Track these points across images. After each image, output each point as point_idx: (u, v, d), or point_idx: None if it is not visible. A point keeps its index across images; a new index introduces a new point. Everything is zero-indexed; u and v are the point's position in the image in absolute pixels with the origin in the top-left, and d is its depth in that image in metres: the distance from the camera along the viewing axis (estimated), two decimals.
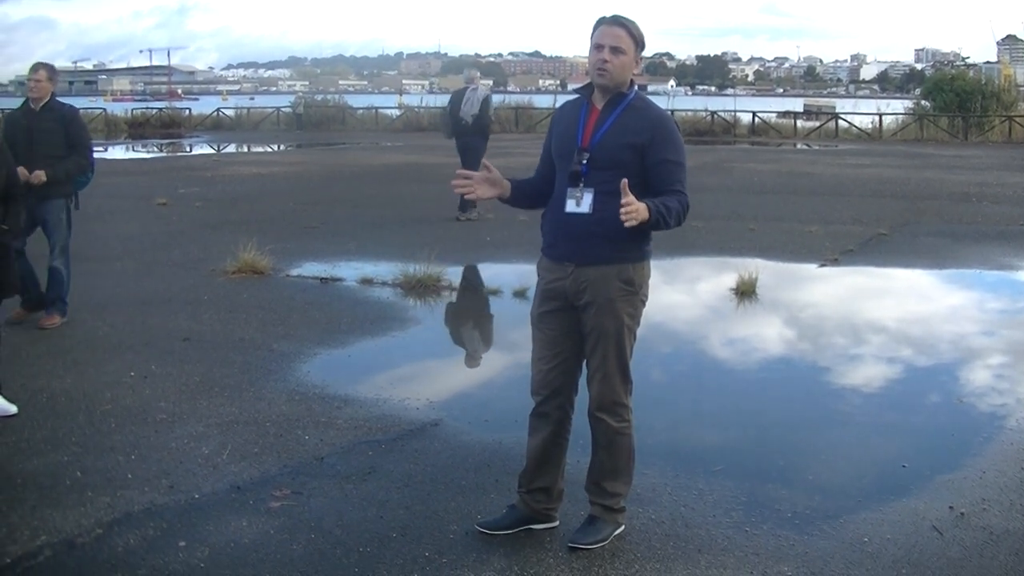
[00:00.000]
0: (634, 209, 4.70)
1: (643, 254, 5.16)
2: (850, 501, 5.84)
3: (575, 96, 5.39)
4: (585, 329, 5.15)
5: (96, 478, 6.10)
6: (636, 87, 5.20)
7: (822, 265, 13.67)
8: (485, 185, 5.22)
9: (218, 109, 63.11)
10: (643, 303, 5.25)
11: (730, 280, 11.83)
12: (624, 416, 5.26)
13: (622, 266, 5.07)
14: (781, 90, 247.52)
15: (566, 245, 5.11)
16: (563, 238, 5.11)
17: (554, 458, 5.39)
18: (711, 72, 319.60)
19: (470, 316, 11.05)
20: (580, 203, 5.03)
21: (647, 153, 5.03)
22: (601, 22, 5.13)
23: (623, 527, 5.37)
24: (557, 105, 5.60)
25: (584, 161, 5.05)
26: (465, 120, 17.19)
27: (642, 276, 5.18)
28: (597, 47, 5.04)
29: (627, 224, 4.71)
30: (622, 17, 5.11)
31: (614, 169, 4.96)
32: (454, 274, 12.17)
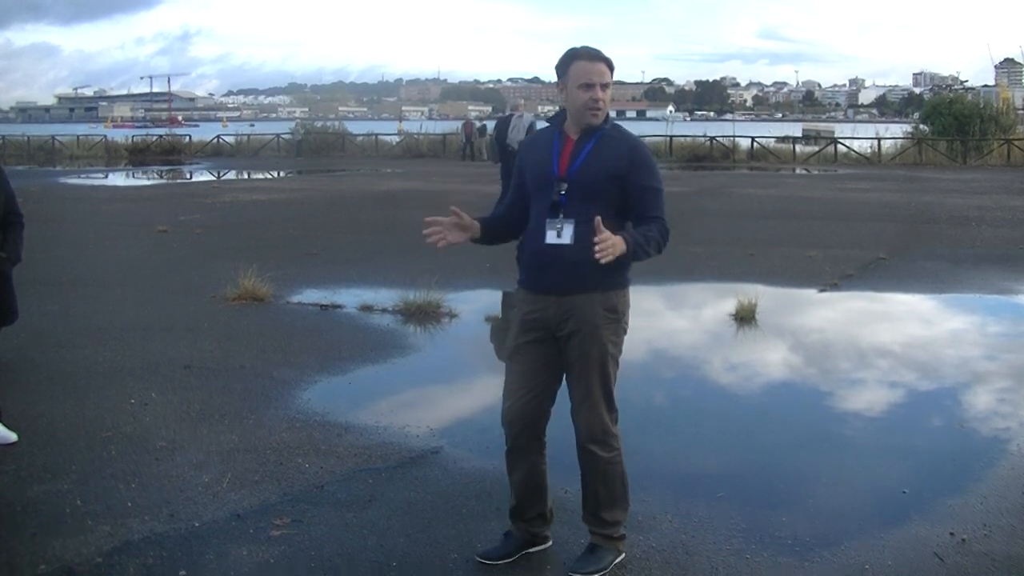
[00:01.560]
0: (609, 245, 4.69)
1: (625, 281, 5.16)
2: (851, 527, 5.82)
3: (546, 125, 5.40)
4: (569, 359, 5.12)
5: (96, 506, 6.09)
6: (609, 118, 5.19)
7: (822, 290, 13.67)
8: (455, 230, 5.19)
9: (218, 135, 63.44)
10: (625, 331, 5.25)
11: (730, 305, 11.83)
12: (614, 445, 5.24)
13: (606, 294, 5.08)
14: (780, 115, 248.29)
15: (548, 276, 5.08)
16: (544, 269, 5.08)
17: (541, 485, 5.38)
18: (710, 97, 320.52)
19: (470, 343, 10.99)
20: (561, 234, 5.00)
21: (627, 181, 5.03)
22: (577, 57, 5.07)
23: (623, 555, 5.35)
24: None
25: (563, 191, 5.03)
26: (512, 146, 17.29)
27: (624, 303, 5.20)
28: (587, 85, 5.00)
29: (602, 261, 4.70)
30: (599, 52, 5.10)
31: (594, 198, 4.97)
32: (454, 300, 12.18)
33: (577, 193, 5.01)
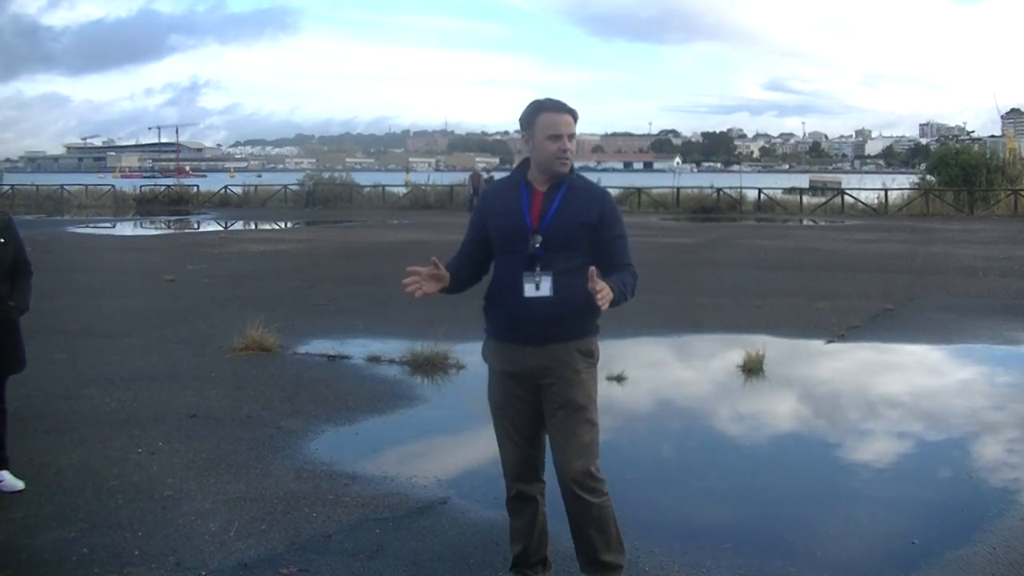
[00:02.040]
0: (607, 292, 4.79)
1: (597, 326, 5.22)
2: None
3: (505, 176, 5.46)
4: (551, 406, 5.14)
5: (103, 554, 6.08)
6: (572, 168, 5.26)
7: (829, 341, 13.66)
8: (431, 281, 5.19)
9: (225, 186, 63.66)
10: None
11: (737, 356, 11.82)
12: (602, 490, 5.19)
13: (582, 340, 5.15)
14: (787, 166, 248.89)
15: (528, 329, 5.10)
16: (523, 322, 5.10)
17: (543, 530, 5.43)
18: (717, 149, 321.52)
19: (478, 394, 10.87)
20: (540, 287, 5.03)
21: (598, 230, 5.11)
22: (543, 109, 5.14)
23: None
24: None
25: (538, 244, 5.06)
26: None
27: (598, 348, 5.28)
28: (555, 136, 5.07)
29: (604, 308, 4.81)
30: (564, 103, 5.17)
31: (569, 249, 5.05)
32: (462, 352, 12.17)
33: (552, 245, 5.06)
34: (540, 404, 5.19)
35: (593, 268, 4.82)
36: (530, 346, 5.10)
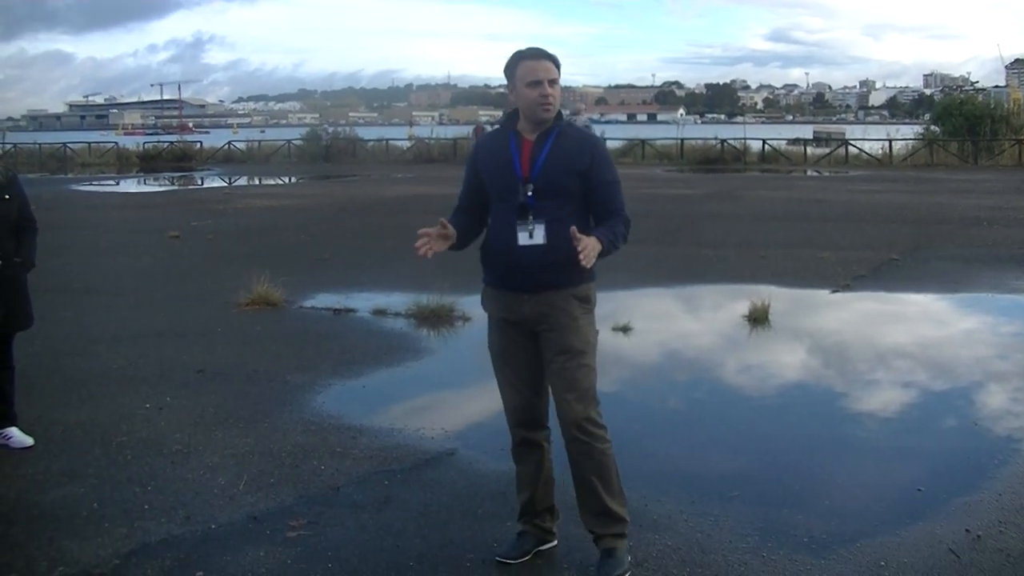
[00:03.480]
0: (590, 248, 4.79)
1: (593, 273, 5.19)
2: (867, 525, 5.82)
3: (496, 128, 5.47)
4: (549, 353, 5.18)
5: (113, 509, 6.12)
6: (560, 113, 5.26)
7: (834, 291, 13.66)
8: (440, 240, 5.21)
9: (229, 142, 63.49)
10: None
11: (743, 307, 11.83)
12: (604, 435, 5.22)
13: (578, 287, 5.16)
14: (791, 117, 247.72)
15: (522, 276, 5.13)
16: (517, 270, 5.13)
17: (550, 477, 5.47)
18: (720, 100, 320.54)
19: (483, 346, 10.89)
20: (533, 235, 5.06)
21: (589, 176, 5.11)
22: (523, 57, 5.15)
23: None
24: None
25: (530, 193, 5.09)
26: None
27: (594, 294, 5.29)
28: (535, 83, 5.06)
29: (587, 265, 4.80)
30: (544, 50, 5.17)
31: (560, 196, 5.08)
32: (467, 304, 12.15)
33: (543, 193, 5.08)
34: (538, 351, 5.23)
35: (574, 227, 4.84)
36: (526, 294, 5.13)
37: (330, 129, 63.50)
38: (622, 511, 5.30)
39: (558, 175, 5.09)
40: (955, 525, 5.80)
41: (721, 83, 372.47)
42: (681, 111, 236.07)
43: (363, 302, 12.95)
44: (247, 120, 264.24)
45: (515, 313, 5.21)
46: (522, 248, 5.08)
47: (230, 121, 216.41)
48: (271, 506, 6.18)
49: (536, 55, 5.15)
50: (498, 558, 5.38)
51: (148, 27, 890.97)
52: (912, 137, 53.40)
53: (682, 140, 54.94)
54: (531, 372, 5.30)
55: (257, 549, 5.55)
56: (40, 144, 64.73)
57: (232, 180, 43.67)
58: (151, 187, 41.87)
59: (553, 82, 5.10)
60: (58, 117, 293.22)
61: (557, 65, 5.16)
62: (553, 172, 5.09)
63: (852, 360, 9.99)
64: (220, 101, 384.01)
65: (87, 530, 5.82)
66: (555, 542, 5.53)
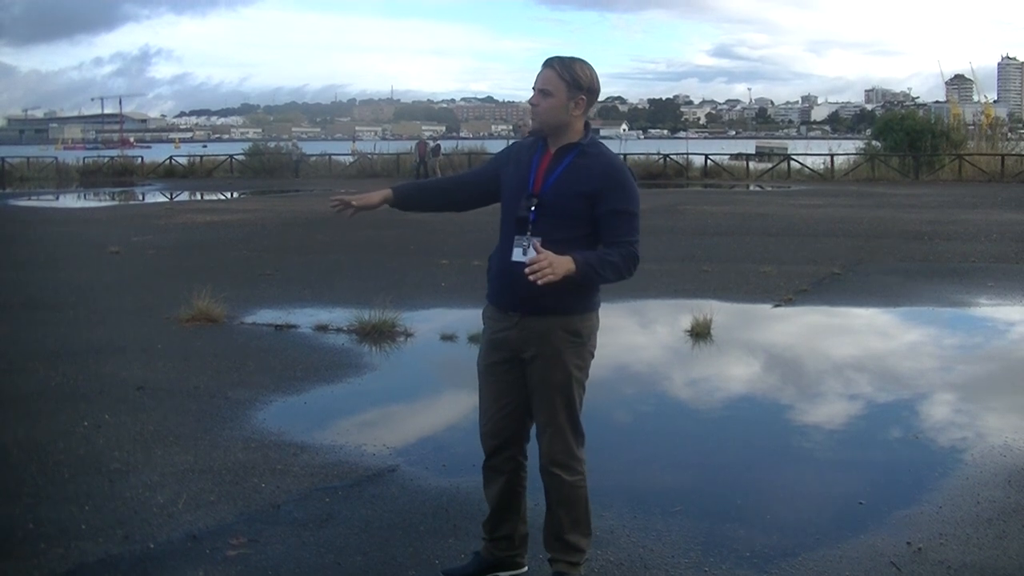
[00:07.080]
0: (546, 265, 4.53)
1: (590, 305, 5.03)
2: (808, 539, 5.84)
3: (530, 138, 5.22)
4: (532, 382, 5.00)
5: (50, 529, 6.02)
6: (590, 133, 5.07)
7: (777, 305, 13.74)
8: (360, 201, 5.25)
9: (171, 157, 63.18)
10: (591, 355, 5.11)
11: (685, 322, 11.85)
12: (578, 469, 5.11)
13: (568, 317, 4.92)
14: (733, 132, 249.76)
15: (512, 294, 4.94)
16: (509, 287, 4.94)
17: (513, 506, 5.26)
18: (663, 116, 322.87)
19: (426, 361, 10.96)
20: (527, 252, 4.82)
21: (597, 202, 4.86)
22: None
23: None
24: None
25: (532, 208, 4.89)
26: None
27: (589, 327, 5.05)
28: (532, 91, 4.98)
29: (538, 283, 4.53)
30: (555, 58, 4.96)
31: (563, 217, 4.85)
32: (409, 319, 12.14)
33: (547, 210, 4.86)
34: (524, 377, 5.05)
35: (537, 239, 4.73)
36: (515, 314, 4.95)
37: (272, 144, 63.33)
38: (583, 543, 5.17)
39: (564, 196, 4.86)
40: (896, 538, 5.83)
41: (664, 98, 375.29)
42: (624, 126, 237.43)
43: (305, 318, 12.88)
44: (189, 135, 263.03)
45: (501, 332, 5.02)
46: (514, 264, 4.87)
47: (172, 135, 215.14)
48: (211, 524, 6.11)
49: (544, 63, 4.98)
50: (443, 574, 5.32)
51: (96, 40, 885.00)
52: (854, 152, 53.97)
53: (625, 155, 55.11)
54: (509, 396, 5.08)
55: (197, 568, 5.48)
56: None
57: (174, 195, 43.39)
58: (91, 202, 41.50)
59: (543, 92, 4.90)
60: None
61: (561, 76, 4.91)
62: (561, 191, 4.86)
63: (795, 374, 10.04)
64: (162, 116, 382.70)
65: (23, 550, 5.71)
66: (523, 570, 5.35)
